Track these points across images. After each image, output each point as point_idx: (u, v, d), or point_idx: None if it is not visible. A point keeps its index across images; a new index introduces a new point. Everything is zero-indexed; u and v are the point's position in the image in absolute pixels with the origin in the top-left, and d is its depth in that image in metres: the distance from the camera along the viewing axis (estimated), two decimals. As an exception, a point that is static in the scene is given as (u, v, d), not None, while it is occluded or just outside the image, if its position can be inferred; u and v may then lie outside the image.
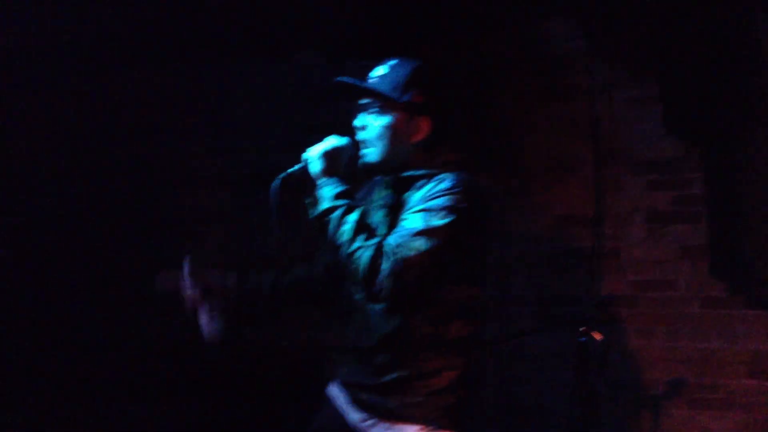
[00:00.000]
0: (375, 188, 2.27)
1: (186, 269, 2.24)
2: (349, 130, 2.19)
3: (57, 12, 3.68)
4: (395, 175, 2.17)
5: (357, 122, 2.17)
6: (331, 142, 2.14)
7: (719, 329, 3.67)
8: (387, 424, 2.11)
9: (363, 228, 2.01)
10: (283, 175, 2.14)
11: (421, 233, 1.97)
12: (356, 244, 1.99)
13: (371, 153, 2.15)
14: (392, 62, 2.18)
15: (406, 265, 1.95)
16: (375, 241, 1.99)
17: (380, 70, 2.18)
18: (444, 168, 2.12)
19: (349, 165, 2.15)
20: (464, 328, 2.13)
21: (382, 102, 2.13)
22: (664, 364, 3.77)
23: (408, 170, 2.15)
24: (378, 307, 2.12)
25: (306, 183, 2.12)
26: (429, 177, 2.11)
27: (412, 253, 1.95)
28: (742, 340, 3.63)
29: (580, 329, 3.20)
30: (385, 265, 1.95)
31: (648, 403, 3.76)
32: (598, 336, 3.22)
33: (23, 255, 4.23)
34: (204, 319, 2.23)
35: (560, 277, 3.92)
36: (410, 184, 2.14)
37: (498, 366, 4.00)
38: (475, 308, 2.14)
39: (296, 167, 2.15)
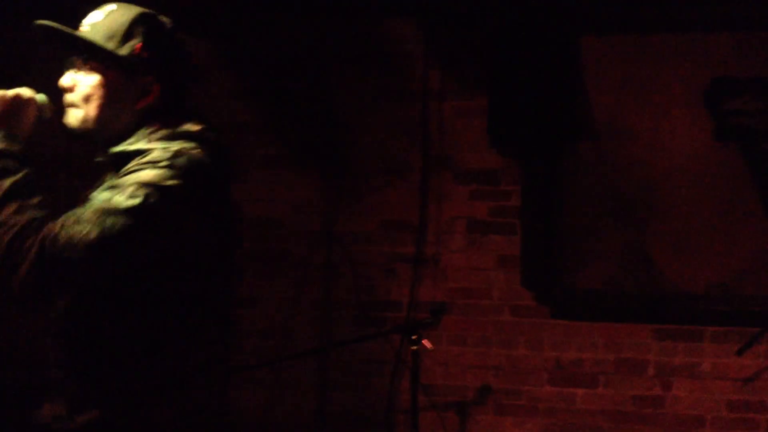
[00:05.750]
0: (103, 173, 1.76)
1: None
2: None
3: None
4: (111, 154, 1.71)
5: (64, 81, 1.73)
6: (13, 90, 1.68)
7: (527, 337, 3.82)
8: None
9: (17, 198, 1.53)
10: None
11: (96, 213, 1.51)
12: (0, 218, 1.52)
13: (77, 119, 1.71)
14: (110, 7, 1.74)
15: (60, 253, 1.48)
16: (29, 217, 1.52)
17: (94, 17, 1.73)
18: (168, 140, 1.66)
19: (38, 129, 1.71)
20: (189, 355, 1.66)
21: (95, 56, 1.70)
22: (475, 370, 3.85)
23: (123, 145, 1.69)
24: (63, 310, 1.66)
25: None
26: (144, 152, 1.65)
27: (74, 236, 1.48)
28: (546, 348, 3.81)
29: (413, 337, 3.19)
30: (33, 249, 1.48)
31: (457, 409, 3.82)
32: (428, 345, 3.22)
33: None
34: None
35: (383, 282, 3.89)
36: (125, 162, 1.66)
37: (317, 372, 3.91)
38: (203, 329, 1.68)
39: None
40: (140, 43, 1.70)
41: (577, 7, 3.61)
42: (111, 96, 1.70)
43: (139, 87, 1.70)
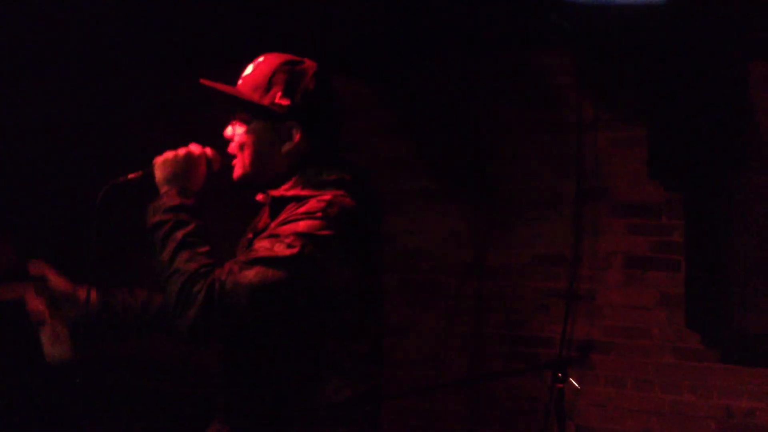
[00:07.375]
0: (262, 212, 1.92)
1: (33, 279, 1.91)
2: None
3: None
4: (271, 197, 1.83)
5: (226, 132, 1.87)
6: (186, 149, 1.83)
7: (692, 382, 3.57)
8: None
9: (189, 247, 1.67)
10: (119, 179, 1.84)
11: (258, 261, 1.64)
12: (174, 266, 1.65)
13: (237, 167, 1.85)
14: (259, 59, 1.86)
15: (226, 298, 1.61)
16: (198, 265, 1.65)
17: (247, 70, 1.87)
18: (321, 188, 1.77)
19: (210, 179, 1.85)
20: (343, 390, 1.73)
21: (243, 107, 1.83)
22: (634, 414, 3.63)
23: (281, 190, 1.81)
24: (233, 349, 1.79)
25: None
26: (300, 199, 1.76)
27: (240, 283, 1.62)
28: (714, 395, 3.54)
29: (559, 374, 3.09)
30: (201, 294, 1.61)
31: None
32: (575, 384, 3.12)
33: None
34: (47, 337, 1.89)
35: (535, 317, 3.80)
36: (282, 206, 1.79)
37: (467, 404, 3.86)
38: (356, 366, 1.75)
39: (138, 173, 1.85)
40: (280, 92, 1.80)
41: (744, 32, 3.41)
42: (259, 143, 1.81)
43: (283, 133, 1.80)
